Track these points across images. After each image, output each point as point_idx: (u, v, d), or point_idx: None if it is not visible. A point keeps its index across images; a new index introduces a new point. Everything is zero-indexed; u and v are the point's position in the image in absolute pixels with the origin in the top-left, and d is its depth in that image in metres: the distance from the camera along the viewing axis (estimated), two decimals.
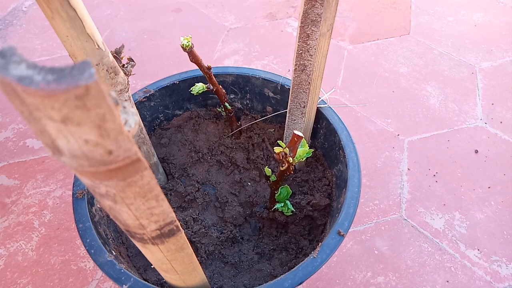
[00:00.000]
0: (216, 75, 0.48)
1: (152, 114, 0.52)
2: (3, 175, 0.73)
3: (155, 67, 0.90)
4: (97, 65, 0.33)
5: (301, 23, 0.35)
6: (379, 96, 0.84)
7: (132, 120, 0.17)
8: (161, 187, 0.51)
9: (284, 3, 1.07)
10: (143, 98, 0.49)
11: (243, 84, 0.52)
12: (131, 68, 0.36)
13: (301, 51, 0.38)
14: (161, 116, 0.54)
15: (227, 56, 0.93)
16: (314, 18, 0.34)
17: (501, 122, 0.80)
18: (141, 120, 0.44)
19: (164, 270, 0.27)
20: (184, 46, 0.38)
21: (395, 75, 0.89)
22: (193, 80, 0.50)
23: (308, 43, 0.36)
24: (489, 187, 0.70)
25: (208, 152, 0.54)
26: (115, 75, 0.34)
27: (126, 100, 0.37)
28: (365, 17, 1.03)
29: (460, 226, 0.65)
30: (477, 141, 0.77)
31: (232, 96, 0.54)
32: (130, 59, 0.37)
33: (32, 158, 0.75)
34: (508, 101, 0.84)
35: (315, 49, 0.37)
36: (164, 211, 0.20)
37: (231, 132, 0.54)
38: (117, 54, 0.35)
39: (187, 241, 0.25)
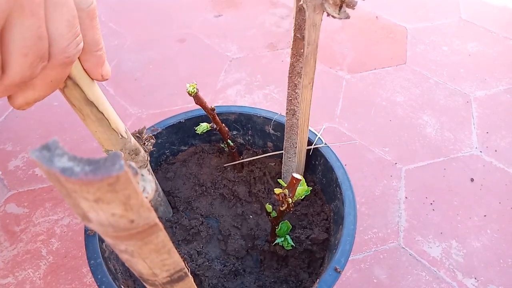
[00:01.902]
0: (219, 114, 0.51)
1: (159, 151, 0.55)
2: (12, 204, 0.75)
3: (160, 96, 0.94)
4: (120, 150, 0.37)
5: (289, 73, 0.39)
6: (377, 125, 0.87)
7: (149, 187, 0.20)
8: (167, 220, 0.53)
9: (285, 34, 1.11)
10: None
11: (245, 122, 0.55)
12: (151, 146, 0.41)
13: (290, 98, 0.41)
14: (167, 152, 0.57)
15: (229, 85, 0.96)
16: (299, 71, 0.38)
17: (495, 151, 0.82)
18: (158, 185, 0.51)
19: None
20: (190, 92, 0.41)
21: (392, 104, 0.92)
22: (198, 119, 0.53)
23: (296, 91, 0.40)
24: (485, 216, 0.72)
25: (211, 186, 0.57)
26: (136, 155, 0.38)
27: (144, 167, 0.41)
28: (362, 47, 1.07)
29: (457, 255, 0.67)
30: (473, 169, 0.79)
31: (234, 133, 0.57)
32: (151, 137, 0.41)
33: (41, 187, 0.77)
34: (502, 130, 0.86)
35: (301, 97, 0.40)
36: (175, 261, 0.23)
37: (231, 163, 0.57)
38: (139, 134, 0.40)
39: (194, 284, 0.27)
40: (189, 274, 0.26)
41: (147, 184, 0.20)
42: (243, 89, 0.95)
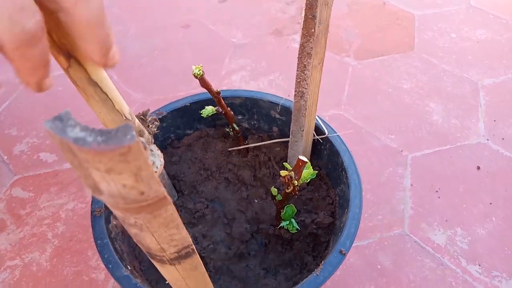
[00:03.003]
0: (225, 98, 0.51)
1: (164, 134, 0.55)
2: (18, 188, 0.76)
3: (165, 83, 0.93)
4: None
5: (299, 54, 0.38)
6: (383, 112, 0.86)
7: (158, 161, 0.20)
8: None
9: (290, 20, 1.10)
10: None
11: (250, 106, 0.55)
12: (155, 129, 0.40)
13: (299, 80, 0.41)
14: (173, 136, 0.57)
15: (234, 72, 0.95)
16: (309, 51, 0.37)
17: (503, 139, 0.81)
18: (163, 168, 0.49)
19: (178, 286, 0.30)
20: (196, 74, 0.41)
21: (399, 91, 0.91)
22: (203, 103, 0.52)
23: (305, 73, 0.39)
24: (490, 203, 0.72)
25: (216, 170, 0.57)
26: (140, 137, 0.39)
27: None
28: (369, 34, 1.05)
29: (462, 242, 0.67)
30: (479, 157, 0.78)
31: (240, 117, 0.57)
32: (155, 119, 0.41)
33: (46, 171, 0.78)
34: (510, 118, 0.85)
35: (310, 78, 0.40)
36: (183, 237, 0.23)
37: (236, 147, 0.57)
38: (143, 116, 0.40)
39: (201, 261, 0.27)
40: (196, 251, 0.26)
41: (156, 159, 0.20)
42: (247, 76, 0.94)
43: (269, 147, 0.58)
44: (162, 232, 0.21)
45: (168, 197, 0.19)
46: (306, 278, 0.38)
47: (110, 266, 0.37)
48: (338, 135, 0.48)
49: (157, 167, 0.19)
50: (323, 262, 0.38)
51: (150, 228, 0.20)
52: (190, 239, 0.24)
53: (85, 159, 0.14)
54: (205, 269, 0.30)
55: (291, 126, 0.48)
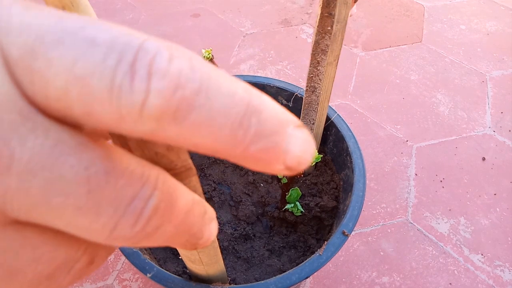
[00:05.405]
0: None
1: None
2: None
3: None
4: None
5: (313, 51, 0.39)
6: (389, 102, 0.87)
7: None
8: None
9: (299, 10, 1.10)
10: None
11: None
12: None
13: (312, 75, 0.41)
14: None
15: (243, 61, 0.96)
16: (324, 48, 0.38)
17: (509, 131, 0.81)
18: None
19: (191, 260, 0.31)
20: (205, 58, 0.42)
21: (406, 82, 0.91)
22: None
23: (318, 69, 0.40)
24: (495, 194, 0.72)
25: None
26: None
27: None
28: (378, 24, 1.05)
29: (465, 231, 0.68)
30: (485, 148, 0.79)
31: None
32: None
33: None
34: None
35: (323, 74, 0.40)
36: None
37: None
38: None
39: (216, 237, 0.29)
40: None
41: None
42: (256, 65, 0.95)
43: None
44: None
45: (194, 168, 0.20)
46: (309, 258, 0.39)
47: None
48: (344, 121, 0.49)
49: None
50: (326, 242, 0.40)
51: None
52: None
53: None
54: (218, 245, 0.31)
55: (300, 119, 0.49)
